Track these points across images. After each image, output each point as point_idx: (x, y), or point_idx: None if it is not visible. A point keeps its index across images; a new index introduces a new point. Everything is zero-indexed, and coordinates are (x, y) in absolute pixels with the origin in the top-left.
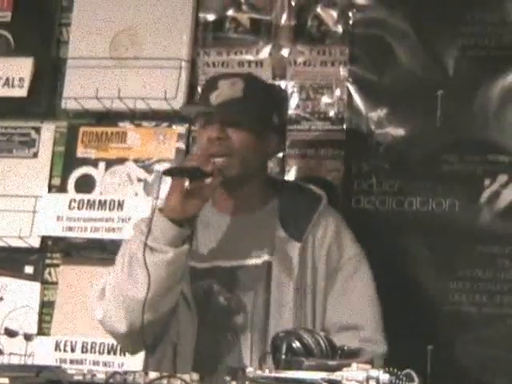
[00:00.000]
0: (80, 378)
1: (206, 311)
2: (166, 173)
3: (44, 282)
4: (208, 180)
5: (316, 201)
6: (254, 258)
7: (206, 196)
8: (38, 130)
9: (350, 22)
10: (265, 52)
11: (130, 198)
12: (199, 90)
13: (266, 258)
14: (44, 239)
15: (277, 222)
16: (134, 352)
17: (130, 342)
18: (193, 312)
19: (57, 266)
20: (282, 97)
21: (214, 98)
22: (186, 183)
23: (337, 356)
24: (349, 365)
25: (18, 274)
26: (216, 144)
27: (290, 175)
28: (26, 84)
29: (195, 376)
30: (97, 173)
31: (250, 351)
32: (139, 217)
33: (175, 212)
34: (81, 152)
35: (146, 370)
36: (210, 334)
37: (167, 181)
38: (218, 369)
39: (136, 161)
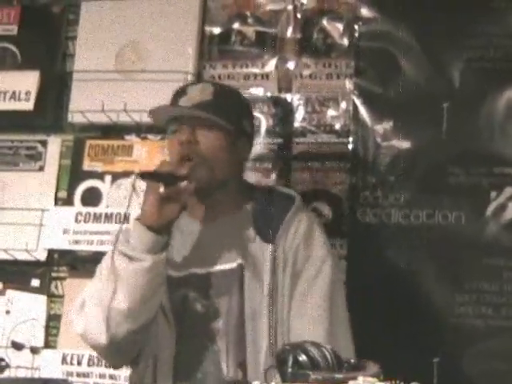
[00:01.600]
0: None
1: (184, 320)
2: (142, 177)
3: (50, 295)
4: (183, 184)
5: (289, 202)
6: (229, 263)
7: (183, 201)
8: (44, 143)
9: (356, 34)
10: (270, 65)
11: (136, 210)
12: None
13: (238, 261)
14: (50, 252)
15: (250, 225)
16: (116, 365)
17: (111, 354)
18: (170, 321)
19: (63, 279)
20: (249, 105)
21: (184, 102)
22: (161, 189)
23: (343, 369)
24: (355, 378)
25: (25, 287)
26: (186, 147)
27: (295, 188)
28: (32, 97)
29: None
30: (103, 186)
31: (227, 357)
32: None
33: (152, 219)
34: (87, 165)
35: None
36: (188, 343)
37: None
38: (198, 377)
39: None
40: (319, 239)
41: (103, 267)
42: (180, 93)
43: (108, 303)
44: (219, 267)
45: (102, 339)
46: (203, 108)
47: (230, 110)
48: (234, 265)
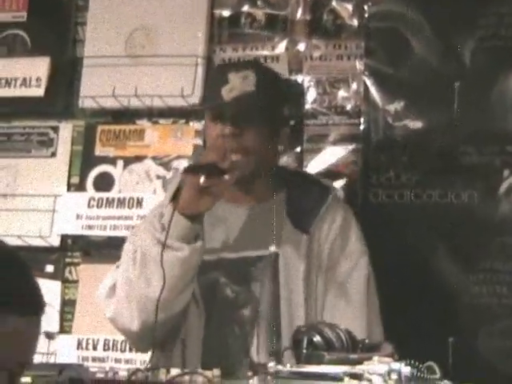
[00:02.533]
0: (102, 375)
1: (213, 304)
2: (185, 171)
3: (65, 281)
4: (224, 177)
5: (324, 193)
6: (261, 250)
7: (221, 193)
8: (55, 129)
9: (366, 15)
10: (281, 47)
11: (148, 195)
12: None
13: (272, 249)
14: (64, 238)
15: (284, 213)
16: (143, 350)
17: (141, 340)
18: (199, 306)
19: (77, 264)
20: (293, 89)
21: (226, 92)
22: (202, 179)
23: (358, 349)
24: (370, 358)
25: (39, 273)
26: (230, 141)
27: (308, 170)
28: (43, 84)
29: (217, 372)
30: (115, 171)
31: (257, 344)
32: None
33: (189, 208)
34: (99, 150)
35: (167, 367)
36: (217, 328)
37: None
38: (226, 362)
39: (154, 158)
40: (355, 233)
41: (134, 252)
42: (220, 79)
43: (142, 291)
44: (251, 253)
45: (134, 326)
46: (248, 101)
47: (272, 101)
48: (266, 252)
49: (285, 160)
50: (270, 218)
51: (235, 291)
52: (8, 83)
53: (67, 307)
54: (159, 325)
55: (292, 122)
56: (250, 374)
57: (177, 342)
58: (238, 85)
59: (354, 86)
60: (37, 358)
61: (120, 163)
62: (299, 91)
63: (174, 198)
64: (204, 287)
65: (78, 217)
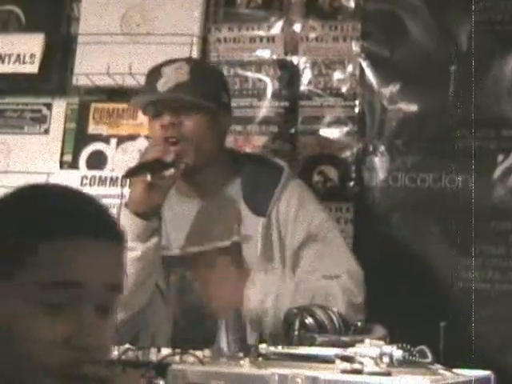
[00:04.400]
0: None
1: (181, 299)
2: (128, 175)
3: None
4: (170, 170)
5: (277, 173)
6: (224, 240)
7: (169, 186)
8: (49, 106)
9: None
10: (276, 28)
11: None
12: None
13: (234, 238)
14: None
15: (241, 199)
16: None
17: None
18: (167, 301)
19: None
20: (223, 75)
21: (161, 85)
22: (148, 177)
23: (350, 332)
24: (362, 341)
25: None
26: (170, 130)
27: (302, 152)
28: (37, 60)
29: (207, 352)
30: (108, 149)
31: (226, 335)
32: None
33: (140, 206)
34: (92, 128)
35: (158, 346)
36: (186, 322)
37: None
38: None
39: (147, 137)
40: (314, 206)
41: None
42: (155, 75)
43: None
44: (214, 245)
45: None
46: (181, 90)
47: (207, 87)
48: (228, 242)
49: (278, 142)
50: (229, 206)
51: (202, 284)
52: (2, 59)
53: None
54: (120, 325)
55: (228, 105)
56: (241, 355)
57: (148, 337)
58: (171, 76)
59: (350, 68)
60: None
61: (113, 141)
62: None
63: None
64: (170, 283)
65: None
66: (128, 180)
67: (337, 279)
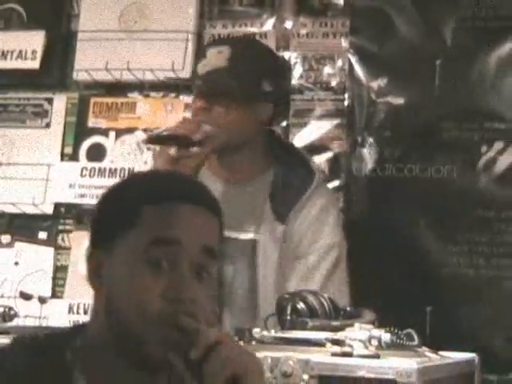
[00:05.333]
0: None
1: None
2: (152, 141)
3: (57, 248)
4: (195, 149)
5: (308, 179)
6: (242, 233)
7: (193, 165)
8: (50, 101)
9: None
10: (269, 24)
11: (139, 166)
12: None
13: (252, 235)
14: (57, 206)
15: (267, 196)
16: None
17: None
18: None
19: (69, 231)
20: (276, 63)
21: (201, 67)
22: (173, 151)
23: (340, 317)
24: (352, 325)
25: (33, 239)
26: (201, 114)
27: (294, 143)
28: (38, 56)
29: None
30: (107, 142)
31: (230, 326)
32: None
33: None
34: (92, 122)
35: None
36: None
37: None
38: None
39: (145, 130)
40: (330, 225)
41: None
42: (201, 55)
43: None
44: (231, 234)
45: None
46: (217, 76)
47: (245, 75)
48: (246, 236)
49: None
50: (254, 199)
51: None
52: (4, 56)
53: (59, 273)
54: None
55: (274, 97)
56: (235, 339)
57: None
58: (211, 60)
59: (340, 62)
60: (29, 322)
61: (112, 134)
62: (283, 65)
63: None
64: None
65: (71, 186)
66: (152, 154)
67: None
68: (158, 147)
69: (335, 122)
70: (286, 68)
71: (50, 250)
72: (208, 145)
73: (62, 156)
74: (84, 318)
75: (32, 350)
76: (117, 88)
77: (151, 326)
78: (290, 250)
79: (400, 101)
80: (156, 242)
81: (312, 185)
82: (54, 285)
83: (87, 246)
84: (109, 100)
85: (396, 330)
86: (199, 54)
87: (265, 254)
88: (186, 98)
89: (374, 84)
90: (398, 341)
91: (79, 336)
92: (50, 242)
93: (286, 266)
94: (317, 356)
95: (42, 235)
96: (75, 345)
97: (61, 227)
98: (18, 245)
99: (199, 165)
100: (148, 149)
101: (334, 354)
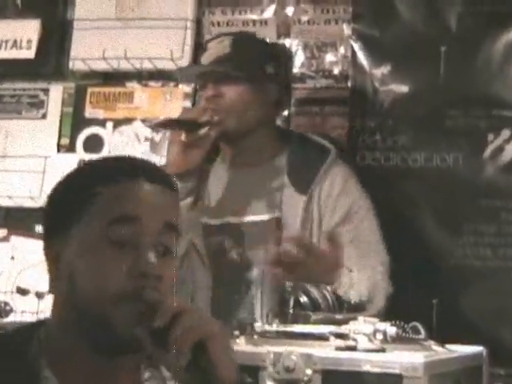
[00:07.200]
0: None
1: (220, 266)
2: (160, 126)
3: None
4: (203, 130)
5: (324, 154)
6: (264, 214)
7: (204, 147)
8: (46, 91)
9: None
10: (269, 11)
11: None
12: None
13: (274, 214)
14: None
15: (285, 175)
16: None
17: None
18: (206, 267)
19: None
20: (277, 49)
21: (205, 58)
22: (183, 136)
23: (343, 310)
24: (355, 318)
25: (29, 233)
26: (212, 102)
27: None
28: (34, 46)
29: None
30: (105, 132)
31: (261, 305)
32: None
33: (175, 166)
34: (89, 112)
35: None
36: (224, 288)
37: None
38: (232, 323)
39: (143, 120)
40: (358, 190)
41: None
42: (202, 49)
43: None
44: (252, 218)
45: None
46: (222, 62)
47: (249, 59)
48: (268, 217)
49: None
50: (271, 180)
51: (239, 254)
52: None
53: None
54: None
55: (279, 80)
56: (236, 333)
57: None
58: (214, 49)
59: (342, 50)
60: (26, 317)
61: (109, 125)
62: (284, 52)
63: None
64: (210, 249)
65: None
66: (166, 143)
67: (375, 269)
68: (169, 133)
69: (338, 110)
70: (286, 52)
71: None
72: (216, 127)
73: (59, 147)
74: None
75: None
76: (114, 77)
77: (117, 304)
78: (323, 219)
79: (404, 88)
80: (115, 221)
81: (329, 157)
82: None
83: (42, 238)
84: (106, 89)
85: (401, 323)
86: (201, 50)
87: (290, 230)
88: (186, 87)
89: (378, 71)
90: (404, 334)
91: (43, 327)
92: None
93: (317, 236)
94: (320, 350)
95: (39, 229)
96: (40, 336)
97: None
98: (14, 239)
99: (210, 151)
100: (146, 139)
101: (338, 348)
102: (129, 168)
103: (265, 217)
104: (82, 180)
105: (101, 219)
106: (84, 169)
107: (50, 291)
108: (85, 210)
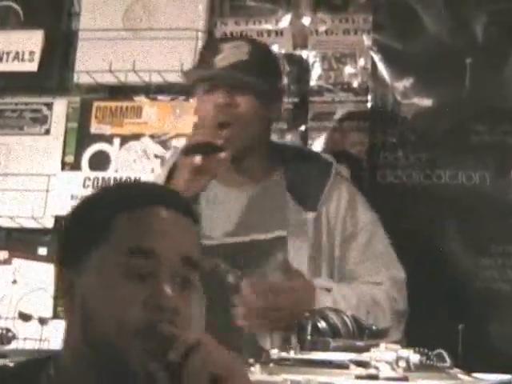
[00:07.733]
0: None
1: (214, 290)
2: (184, 152)
3: None
4: (220, 155)
5: (326, 168)
6: (265, 233)
7: (217, 172)
8: (49, 105)
9: None
10: (285, 21)
11: (146, 174)
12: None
13: (278, 232)
14: (58, 219)
15: (285, 191)
16: None
17: None
18: (199, 291)
19: None
20: (280, 62)
21: (219, 61)
22: (197, 159)
23: (364, 336)
24: (377, 345)
25: (32, 255)
26: (224, 111)
27: (314, 149)
28: (37, 58)
29: None
30: (112, 149)
31: (262, 334)
32: None
33: (184, 189)
34: (95, 128)
35: None
36: (219, 313)
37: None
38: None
39: (152, 136)
40: (363, 204)
41: None
42: (213, 50)
43: None
44: (253, 237)
45: None
46: (241, 69)
47: (265, 70)
48: (271, 235)
49: (289, 138)
50: (270, 198)
51: (238, 277)
52: (0, 57)
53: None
54: None
55: (282, 94)
56: (251, 361)
57: None
58: (230, 53)
59: (362, 61)
60: (29, 345)
61: (116, 141)
62: (299, 64)
63: (168, 179)
64: (204, 272)
65: (73, 197)
66: (173, 165)
67: (379, 286)
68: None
69: (357, 125)
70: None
71: (51, 267)
72: (230, 148)
73: (63, 165)
74: None
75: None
76: (121, 91)
77: (132, 337)
78: (333, 236)
79: (427, 102)
80: (132, 252)
81: (332, 172)
82: (56, 304)
83: (55, 265)
84: (113, 104)
85: (425, 350)
86: (211, 49)
87: (297, 249)
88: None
89: (399, 84)
90: (428, 362)
91: (52, 362)
92: (51, 258)
93: (330, 255)
94: (340, 379)
95: (42, 251)
96: (49, 372)
97: None
98: (16, 261)
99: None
100: (155, 156)
101: (359, 377)
102: (145, 194)
103: (268, 235)
104: (98, 207)
105: (117, 250)
106: (99, 195)
107: (64, 319)
108: (100, 240)
